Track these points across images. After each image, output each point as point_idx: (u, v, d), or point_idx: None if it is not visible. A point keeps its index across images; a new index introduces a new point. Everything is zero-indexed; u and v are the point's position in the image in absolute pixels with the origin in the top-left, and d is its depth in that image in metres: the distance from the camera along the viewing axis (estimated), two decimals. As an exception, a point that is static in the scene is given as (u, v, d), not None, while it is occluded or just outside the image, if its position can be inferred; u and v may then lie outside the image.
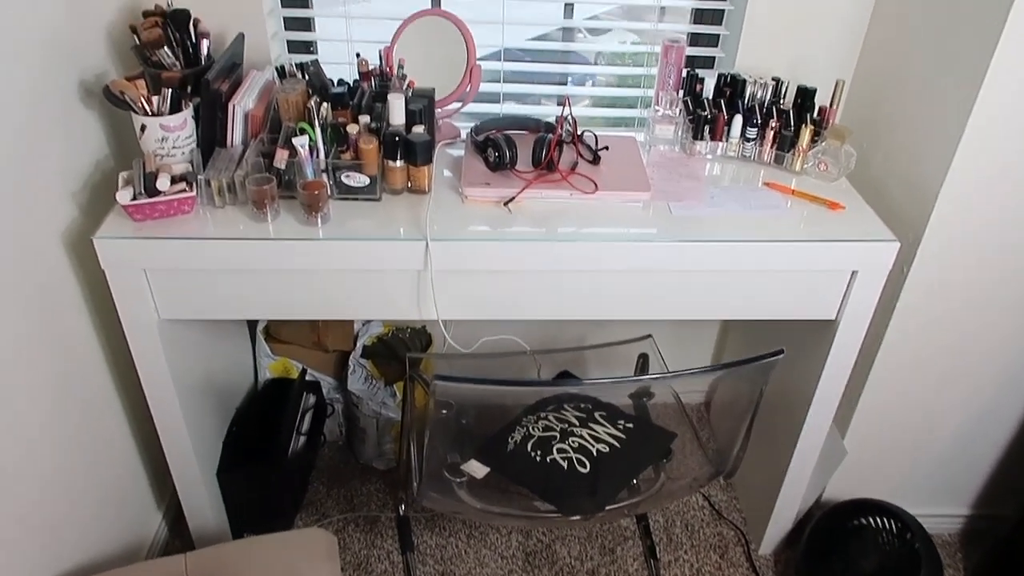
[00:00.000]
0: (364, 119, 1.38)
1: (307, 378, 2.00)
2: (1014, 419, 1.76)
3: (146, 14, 1.43)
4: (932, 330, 1.59)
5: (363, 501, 2.00)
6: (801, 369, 1.60)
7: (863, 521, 1.69)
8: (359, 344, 1.99)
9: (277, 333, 2.01)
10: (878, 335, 1.59)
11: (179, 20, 1.42)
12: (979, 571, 1.88)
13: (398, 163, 1.38)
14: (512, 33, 1.76)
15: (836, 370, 1.53)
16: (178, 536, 1.83)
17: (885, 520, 1.68)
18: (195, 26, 1.45)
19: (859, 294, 1.41)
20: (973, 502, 1.94)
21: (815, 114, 1.56)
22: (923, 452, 1.81)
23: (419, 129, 1.40)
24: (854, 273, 1.39)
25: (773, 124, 1.54)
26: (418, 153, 1.36)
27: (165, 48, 1.39)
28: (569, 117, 1.52)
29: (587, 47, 2.26)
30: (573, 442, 1.38)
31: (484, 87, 1.76)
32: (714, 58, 1.81)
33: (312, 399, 2.01)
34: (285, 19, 1.74)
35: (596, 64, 2.28)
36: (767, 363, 1.13)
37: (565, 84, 1.91)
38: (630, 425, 1.43)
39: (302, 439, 1.92)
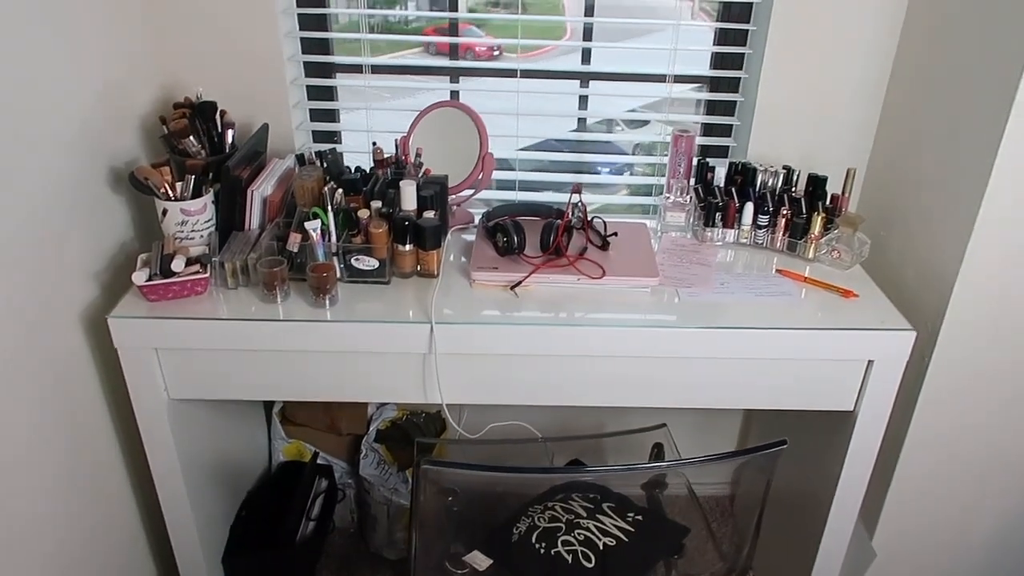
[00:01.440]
0: (376, 204, 1.42)
1: (320, 462, 1.98)
2: (1057, 521, 1.65)
3: (176, 106, 1.51)
4: (961, 421, 1.52)
5: (371, 592, 1.94)
6: (822, 462, 1.54)
7: (896, 630, 1.58)
8: (372, 428, 1.97)
9: (292, 416, 2.00)
10: (902, 427, 1.53)
11: (206, 112, 1.50)
12: None
13: (407, 247, 1.40)
14: (553, 125, 1.81)
15: (857, 463, 1.46)
16: (181, 623, 1.78)
17: (920, 629, 1.57)
18: (221, 117, 1.52)
19: (877, 384, 1.37)
20: (1019, 612, 1.81)
21: (827, 202, 1.56)
22: (960, 554, 1.71)
23: (430, 214, 1.43)
24: (870, 362, 1.35)
25: (785, 211, 1.54)
26: (427, 238, 1.39)
27: (191, 137, 1.46)
28: (579, 204, 1.54)
29: (622, 137, 2.31)
30: (579, 534, 1.33)
31: (516, 175, 1.81)
32: (727, 147, 1.84)
33: (324, 483, 1.98)
34: (311, 111, 1.82)
35: (633, 154, 2.33)
36: (769, 454, 1.08)
37: (580, 173, 1.95)
38: (639, 518, 1.37)
39: (311, 525, 1.88)
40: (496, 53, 2.18)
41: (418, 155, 1.57)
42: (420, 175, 1.54)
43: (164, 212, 1.38)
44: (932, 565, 1.72)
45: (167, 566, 1.73)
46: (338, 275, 1.38)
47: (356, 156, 1.73)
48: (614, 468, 1.13)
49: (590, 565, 1.29)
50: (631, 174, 1.99)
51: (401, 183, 1.42)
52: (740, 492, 2.11)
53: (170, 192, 1.38)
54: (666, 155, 1.64)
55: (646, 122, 2.59)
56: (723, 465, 1.20)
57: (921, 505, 1.63)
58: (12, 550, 1.21)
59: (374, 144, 1.57)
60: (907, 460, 1.56)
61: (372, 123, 1.80)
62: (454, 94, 1.81)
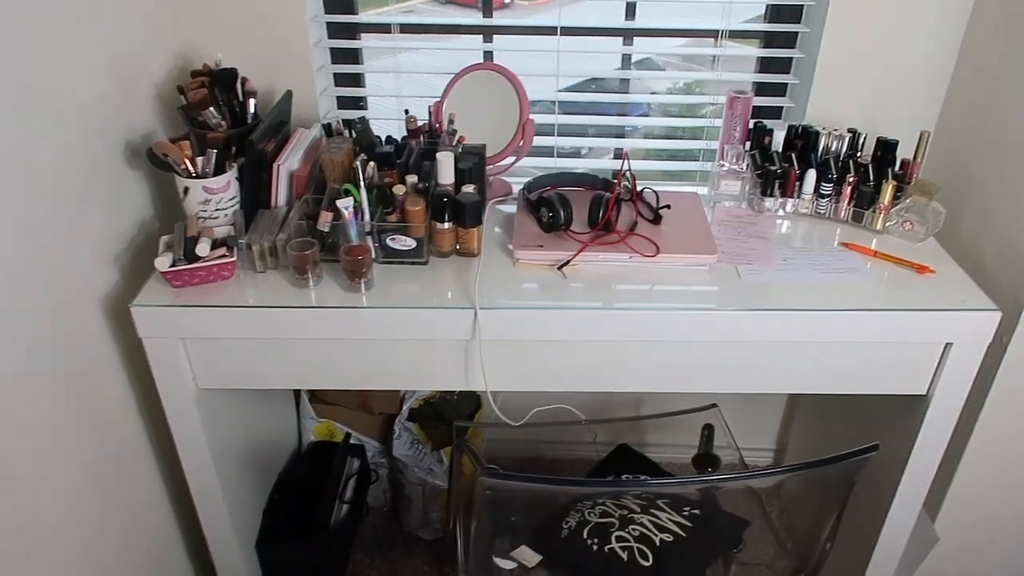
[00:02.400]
0: (411, 179, 1.32)
1: (351, 442, 1.92)
2: None
3: (194, 74, 1.41)
4: (1036, 405, 1.42)
5: (408, 574, 1.89)
6: (887, 446, 1.44)
7: (960, 618, 1.51)
8: (405, 407, 1.90)
9: (322, 395, 1.94)
10: (974, 409, 1.43)
11: (226, 80, 1.39)
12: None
13: (446, 225, 1.30)
14: (566, 84, 1.69)
15: (927, 449, 1.37)
16: (215, 608, 1.75)
17: (986, 618, 1.49)
18: (243, 85, 1.42)
19: (954, 368, 1.27)
20: (1085, 595, 1.73)
21: (897, 168, 1.44)
22: (1026, 539, 1.63)
23: (469, 188, 1.33)
24: (948, 345, 1.25)
25: (850, 179, 1.42)
26: (467, 215, 1.29)
27: (211, 108, 1.36)
28: (628, 173, 1.43)
29: (641, 97, 2.17)
30: (634, 530, 1.25)
31: (538, 140, 1.68)
32: (781, 108, 1.71)
33: (356, 464, 1.93)
34: (335, 75, 1.70)
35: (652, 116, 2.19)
36: (858, 460, 1.00)
37: (622, 136, 1.83)
38: (696, 512, 1.30)
39: (345, 507, 1.83)
40: (507, 1, 2.05)
41: (451, 121, 1.46)
42: (455, 143, 1.44)
43: (186, 190, 1.29)
44: (996, 551, 1.64)
45: (200, 554, 1.69)
46: (373, 256, 1.29)
47: (383, 123, 1.62)
48: (685, 480, 1.05)
49: (647, 563, 1.21)
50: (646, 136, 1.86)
51: (438, 155, 1.31)
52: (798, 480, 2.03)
53: (191, 168, 1.29)
54: (707, 118, 1.52)
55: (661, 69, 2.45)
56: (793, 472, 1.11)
57: (988, 491, 1.54)
58: (45, 545, 1.16)
59: (407, 112, 1.46)
60: (977, 444, 1.47)
61: (399, 86, 1.68)
62: (486, 54, 1.68)
